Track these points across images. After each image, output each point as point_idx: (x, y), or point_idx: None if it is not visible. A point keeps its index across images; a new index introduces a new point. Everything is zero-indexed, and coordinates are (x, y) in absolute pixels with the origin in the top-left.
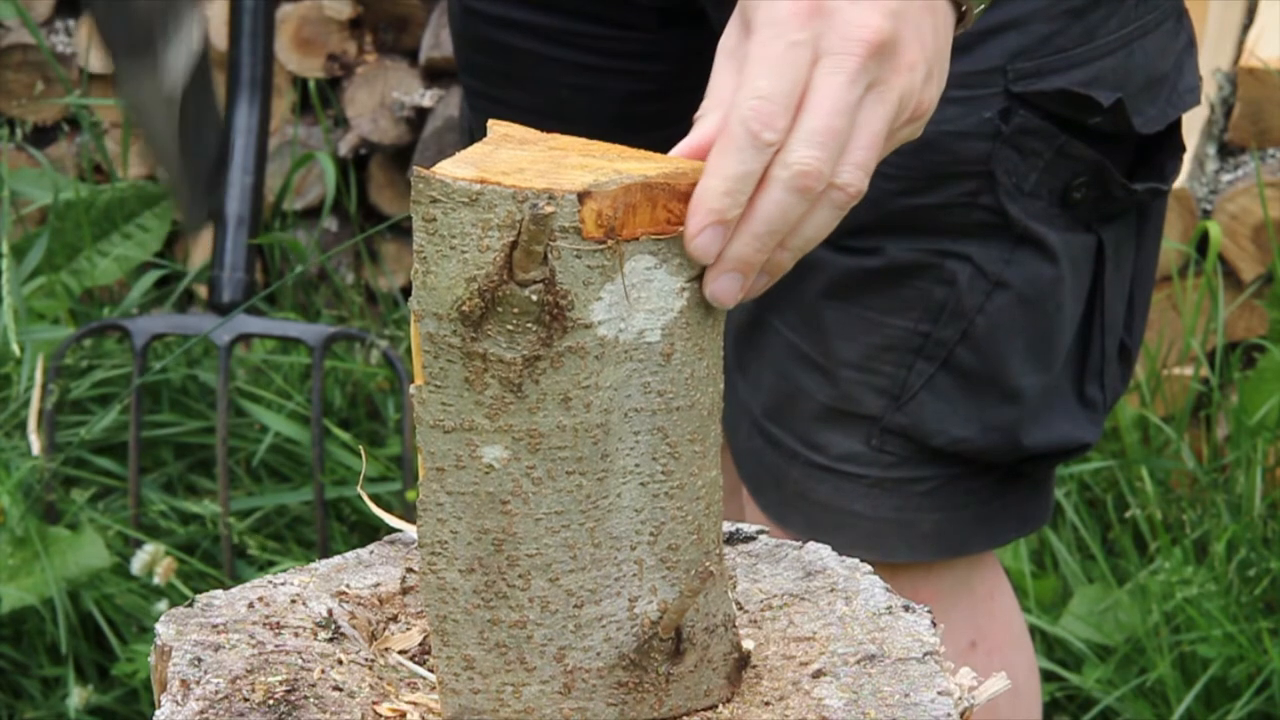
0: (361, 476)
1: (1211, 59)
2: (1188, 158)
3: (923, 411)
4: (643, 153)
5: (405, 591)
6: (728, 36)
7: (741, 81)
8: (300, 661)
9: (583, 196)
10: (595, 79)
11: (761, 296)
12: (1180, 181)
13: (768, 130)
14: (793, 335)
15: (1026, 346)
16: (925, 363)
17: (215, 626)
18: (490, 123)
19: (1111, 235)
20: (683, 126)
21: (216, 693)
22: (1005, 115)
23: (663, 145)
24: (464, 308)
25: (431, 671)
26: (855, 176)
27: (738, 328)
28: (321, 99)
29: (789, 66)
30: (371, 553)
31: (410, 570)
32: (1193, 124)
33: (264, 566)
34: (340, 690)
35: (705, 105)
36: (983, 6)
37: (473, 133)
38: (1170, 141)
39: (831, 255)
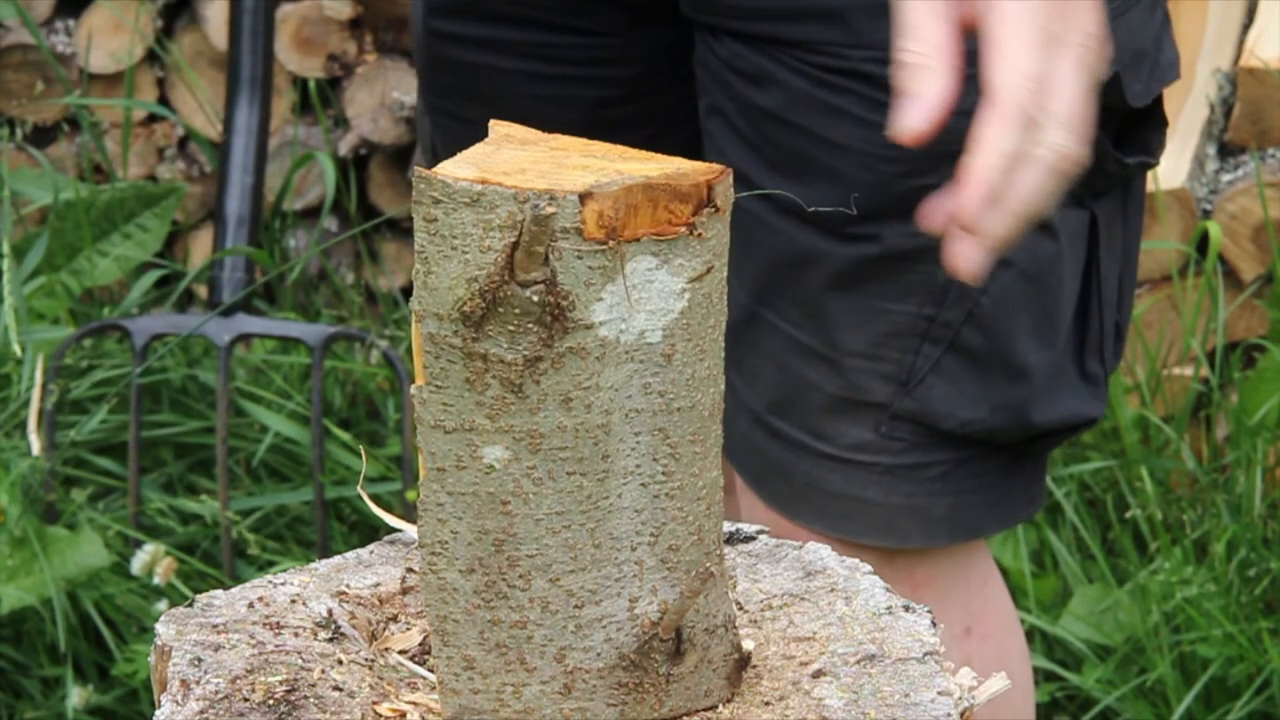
0: (361, 476)
1: (1211, 59)
2: (1188, 158)
3: (931, 395)
4: (644, 153)
5: (405, 591)
6: None
7: (1005, 59)
8: (300, 661)
9: (584, 197)
10: (563, 89)
11: (757, 293)
12: (1180, 181)
13: (1038, 112)
14: (793, 329)
15: (1031, 323)
16: (932, 346)
17: (215, 626)
18: (492, 123)
19: (1103, 210)
20: (655, 127)
21: (216, 693)
22: None
23: (638, 147)
24: (465, 308)
25: (431, 671)
26: (1084, 152)
27: (731, 325)
28: (321, 99)
29: (1044, 51)
30: (371, 553)
31: (410, 570)
32: (1193, 124)
33: (264, 566)
34: (340, 690)
35: (913, 50)
36: None
37: (435, 151)
38: (1154, 116)
39: (832, 246)
